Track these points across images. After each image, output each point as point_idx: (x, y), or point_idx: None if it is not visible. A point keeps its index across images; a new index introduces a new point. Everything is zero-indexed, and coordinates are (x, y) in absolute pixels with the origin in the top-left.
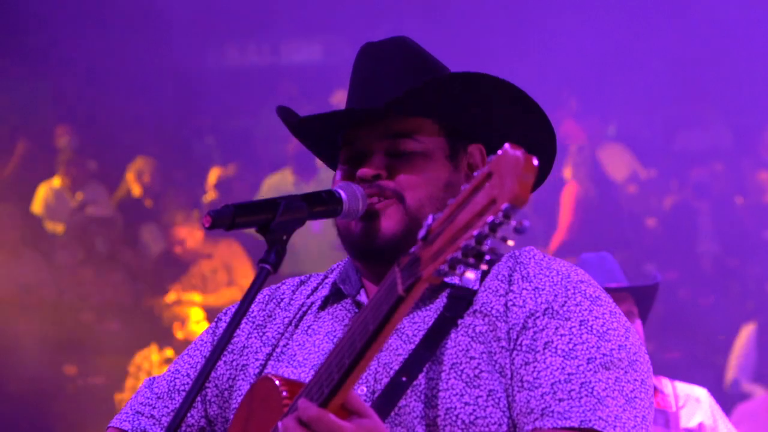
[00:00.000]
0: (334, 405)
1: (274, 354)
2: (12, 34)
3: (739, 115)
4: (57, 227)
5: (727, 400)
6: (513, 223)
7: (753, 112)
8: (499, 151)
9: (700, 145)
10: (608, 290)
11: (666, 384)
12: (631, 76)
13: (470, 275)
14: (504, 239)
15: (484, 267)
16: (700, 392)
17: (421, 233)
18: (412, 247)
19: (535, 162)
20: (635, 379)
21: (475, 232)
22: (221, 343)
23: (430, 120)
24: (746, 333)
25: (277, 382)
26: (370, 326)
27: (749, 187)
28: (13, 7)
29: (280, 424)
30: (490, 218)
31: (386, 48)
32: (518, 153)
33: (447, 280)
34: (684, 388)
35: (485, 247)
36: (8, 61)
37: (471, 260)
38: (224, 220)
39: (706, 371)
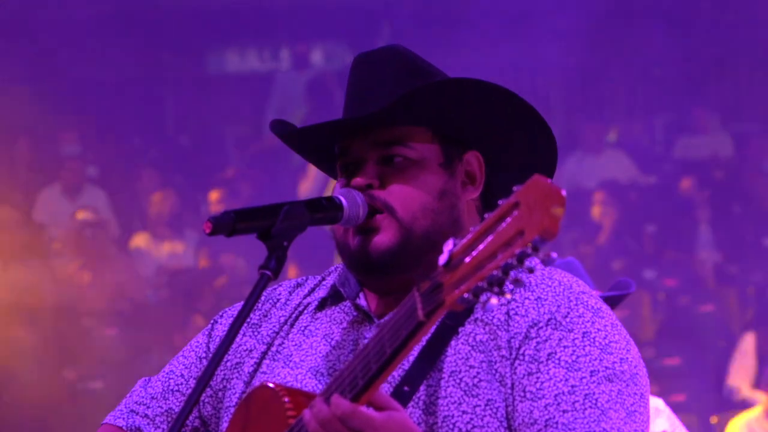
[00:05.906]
0: None
1: (269, 353)
2: (16, 39)
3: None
4: (57, 232)
5: (727, 407)
6: (540, 254)
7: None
8: (528, 181)
9: (700, 152)
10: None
11: None
12: (632, 80)
13: (494, 302)
14: (530, 270)
15: (508, 296)
16: (658, 402)
17: (443, 259)
18: (422, 269)
19: (564, 193)
20: (635, 393)
21: (501, 263)
22: (221, 350)
23: (423, 128)
24: (746, 340)
25: (280, 393)
26: (387, 349)
27: (749, 194)
28: (18, 13)
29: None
30: (518, 250)
31: (380, 57)
32: (548, 184)
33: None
34: None
35: (511, 277)
36: (11, 66)
37: (495, 288)
38: (225, 226)
39: (705, 378)
